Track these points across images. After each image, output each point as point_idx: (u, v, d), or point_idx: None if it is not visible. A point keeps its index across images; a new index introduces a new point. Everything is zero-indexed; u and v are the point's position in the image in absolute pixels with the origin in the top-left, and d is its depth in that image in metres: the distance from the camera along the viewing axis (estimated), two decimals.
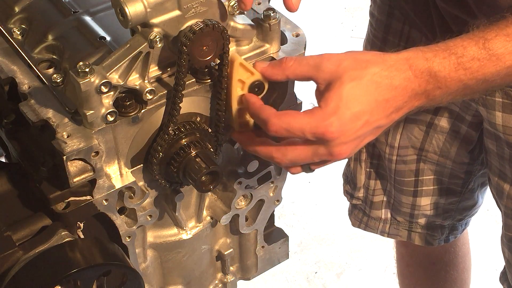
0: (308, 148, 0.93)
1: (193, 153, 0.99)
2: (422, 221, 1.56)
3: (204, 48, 0.93)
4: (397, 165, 1.49)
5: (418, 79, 0.92)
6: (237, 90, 0.98)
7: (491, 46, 0.94)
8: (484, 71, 0.94)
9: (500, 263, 1.48)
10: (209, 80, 0.99)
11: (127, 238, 1.04)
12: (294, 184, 2.61)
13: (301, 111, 0.93)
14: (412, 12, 1.29)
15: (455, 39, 0.95)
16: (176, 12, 0.92)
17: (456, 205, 1.54)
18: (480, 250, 2.38)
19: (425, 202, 1.53)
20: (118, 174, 0.99)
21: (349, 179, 1.60)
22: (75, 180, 0.94)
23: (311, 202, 2.66)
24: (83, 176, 0.94)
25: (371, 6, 1.44)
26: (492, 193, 1.41)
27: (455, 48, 0.93)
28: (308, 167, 0.98)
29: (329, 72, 0.91)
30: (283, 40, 1.04)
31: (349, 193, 1.61)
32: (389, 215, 1.59)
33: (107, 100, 0.92)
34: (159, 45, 0.92)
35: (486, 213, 2.47)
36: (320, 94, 0.92)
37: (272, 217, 1.22)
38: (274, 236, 1.25)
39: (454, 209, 1.55)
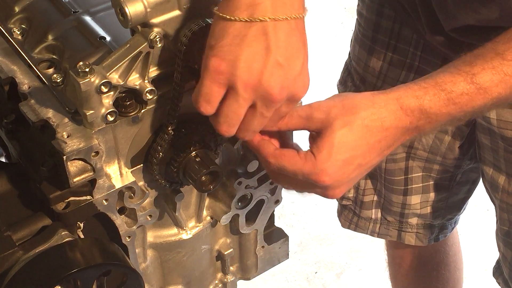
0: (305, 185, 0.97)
1: (193, 153, 0.99)
2: (412, 220, 1.57)
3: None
4: (387, 164, 1.50)
5: (409, 117, 0.94)
6: None
7: (478, 81, 0.95)
8: (473, 104, 0.96)
9: None
10: None
11: (127, 238, 1.04)
12: None
13: (298, 153, 0.94)
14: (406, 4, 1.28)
15: (443, 75, 0.96)
16: (176, 12, 0.92)
17: (445, 202, 1.54)
18: (481, 250, 2.38)
19: (415, 201, 1.53)
20: (118, 174, 0.99)
21: None
22: (75, 180, 0.94)
23: (311, 202, 2.66)
24: (83, 176, 0.94)
25: (358, 5, 1.44)
26: (486, 188, 1.41)
27: (444, 85, 0.95)
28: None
29: (319, 121, 0.93)
30: None
31: None
32: (379, 215, 1.60)
33: (107, 100, 0.92)
34: (159, 45, 0.92)
35: (486, 213, 2.47)
36: (313, 140, 0.94)
37: (272, 217, 1.22)
38: (274, 236, 1.25)
39: (443, 207, 1.55)
